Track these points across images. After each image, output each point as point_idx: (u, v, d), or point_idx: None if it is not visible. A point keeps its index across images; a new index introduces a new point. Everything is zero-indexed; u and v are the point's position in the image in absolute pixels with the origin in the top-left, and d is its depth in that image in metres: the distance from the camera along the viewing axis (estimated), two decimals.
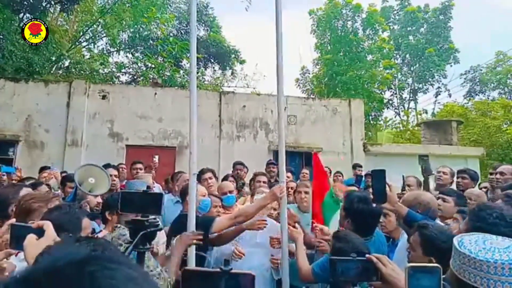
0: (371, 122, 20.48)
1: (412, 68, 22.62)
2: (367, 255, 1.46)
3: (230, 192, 3.73)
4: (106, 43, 17.15)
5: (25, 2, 11.96)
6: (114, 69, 17.53)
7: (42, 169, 5.68)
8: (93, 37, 16.36)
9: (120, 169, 5.66)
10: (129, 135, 10.26)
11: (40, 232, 1.27)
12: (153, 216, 1.75)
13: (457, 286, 1.24)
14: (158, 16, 14.70)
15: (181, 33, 17.63)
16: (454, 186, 4.36)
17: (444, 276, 1.27)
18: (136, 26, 15.34)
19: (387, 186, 2.44)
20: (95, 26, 15.58)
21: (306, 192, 3.58)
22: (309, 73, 22.06)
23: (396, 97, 23.32)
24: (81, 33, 16.05)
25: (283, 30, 2.75)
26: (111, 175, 4.00)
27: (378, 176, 2.48)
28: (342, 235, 2.15)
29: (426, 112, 23.53)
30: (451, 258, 1.29)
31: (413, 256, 1.88)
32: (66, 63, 15.49)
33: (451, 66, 21.93)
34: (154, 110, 10.49)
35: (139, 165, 5.67)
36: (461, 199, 3.25)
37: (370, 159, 10.88)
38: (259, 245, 3.12)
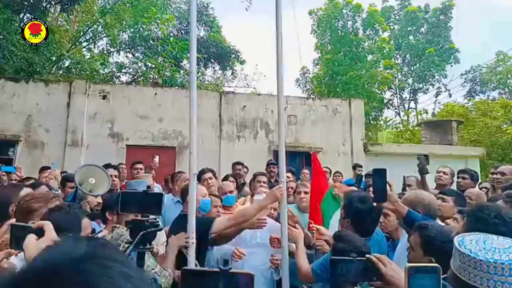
0: (372, 122, 20.51)
1: (412, 68, 22.61)
2: (367, 255, 1.46)
3: (230, 192, 3.74)
4: (106, 43, 17.19)
5: (25, 2, 11.96)
6: (114, 69, 17.57)
7: (42, 169, 5.67)
8: (93, 37, 16.39)
9: (120, 169, 5.64)
10: (129, 135, 10.26)
11: (40, 232, 1.26)
12: (153, 216, 1.76)
13: (458, 286, 1.23)
14: (158, 16, 14.70)
15: (181, 33, 17.64)
16: (454, 186, 4.36)
17: (444, 276, 1.26)
18: (136, 26, 15.34)
19: (387, 185, 2.45)
20: (95, 26, 15.60)
21: (305, 192, 3.58)
22: (309, 73, 22.10)
23: (397, 97, 23.37)
24: (81, 33, 16.07)
25: (283, 30, 2.75)
26: (111, 175, 4.00)
27: (379, 175, 2.48)
28: (342, 235, 2.15)
29: (426, 112, 23.59)
30: (452, 258, 1.28)
31: (413, 256, 1.88)
32: (67, 63, 15.50)
33: (451, 66, 21.94)
34: (154, 110, 10.49)
35: (139, 165, 5.67)
36: (461, 199, 3.24)
37: (370, 159, 10.87)
38: (259, 245, 3.11)
